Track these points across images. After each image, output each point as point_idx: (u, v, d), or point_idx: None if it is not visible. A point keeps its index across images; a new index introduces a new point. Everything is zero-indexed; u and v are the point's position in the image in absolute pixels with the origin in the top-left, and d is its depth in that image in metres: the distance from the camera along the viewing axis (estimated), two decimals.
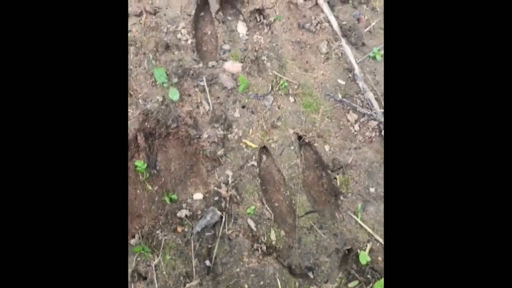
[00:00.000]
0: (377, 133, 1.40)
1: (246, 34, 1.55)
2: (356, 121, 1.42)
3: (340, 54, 1.51)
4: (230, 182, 1.35)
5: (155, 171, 1.36)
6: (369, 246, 1.27)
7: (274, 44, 1.53)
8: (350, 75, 1.48)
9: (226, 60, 1.50)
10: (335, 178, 1.35)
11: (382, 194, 1.32)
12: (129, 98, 1.41)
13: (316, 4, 1.57)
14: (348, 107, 1.43)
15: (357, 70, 1.46)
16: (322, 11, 1.56)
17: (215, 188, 1.34)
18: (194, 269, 1.24)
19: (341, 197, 1.33)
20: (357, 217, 1.28)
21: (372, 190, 1.32)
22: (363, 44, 1.52)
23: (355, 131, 1.41)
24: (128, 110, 1.39)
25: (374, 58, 1.48)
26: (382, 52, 1.48)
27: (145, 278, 1.24)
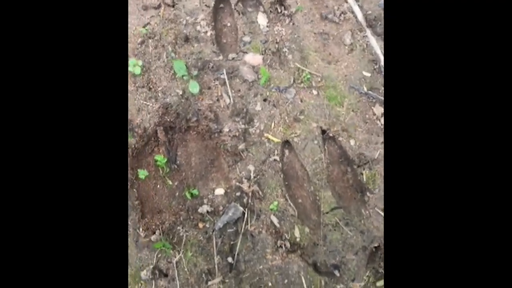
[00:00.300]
0: None
1: (267, 26, 1.51)
2: (382, 115, 1.36)
3: (365, 46, 1.46)
4: (252, 177, 1.31)
5: (176, 166, 1.33)
6: None
7: (295, 36, 1.49)
8: (375, 66, 1.43)
9: (246, 53, 1.46)
10: (361, 174, 1.30)
11: None
12: (148, 92, 1.38)
13: None
14: (374, 100, 1.38)
15: (383, 61, 1.40)
16: (346, 1, 1.51)
17: (237, 183, 1.30)
18: (216, 266, 1.21)
19: (368, 193, 1.28)
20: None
21: None
22: None
23: (381, 124, 1.35)
24: (148, 103, 1.36)
25: None
26: None
27: (166, 275, 1.21)
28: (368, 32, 1.44)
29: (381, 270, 1.21)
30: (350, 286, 1.19)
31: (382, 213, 1.24)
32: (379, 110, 1.37)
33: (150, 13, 1.51)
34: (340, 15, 1.49)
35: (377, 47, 1.42)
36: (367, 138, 1.34)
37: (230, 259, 1.22)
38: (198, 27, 1.49)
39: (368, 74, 1.42)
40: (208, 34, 1.48)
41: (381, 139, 1.33)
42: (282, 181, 1.31)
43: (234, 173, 1.32)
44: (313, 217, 1.28)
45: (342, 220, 1.25)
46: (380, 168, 1.30)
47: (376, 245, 1.22)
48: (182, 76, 1.39)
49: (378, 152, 1.31)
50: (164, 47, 1.45)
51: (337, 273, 1.20)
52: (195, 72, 1.41)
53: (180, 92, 1.39)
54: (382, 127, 1.35)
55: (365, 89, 1.40)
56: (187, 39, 1.46)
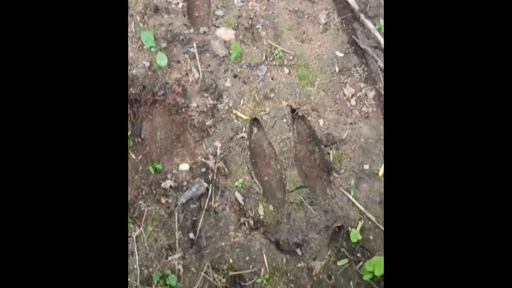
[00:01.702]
0: (374, 108, 1.34)
1: (241, 1, 1.47)
2: (352, 96, 1.35)
3: (339, 25, 1.44)
4: (218, 153, 1.28)
5: (139, 140, 1.30)
6: (360, 224, 1.22)
7: (270, 12, 1.46)
8: (348, 46, 1.41)
9: (218, 27, 1.42)
10: (328, 154, 1.29)
11: (377, 171, 1.27)
12: None
13: None
14: (345, 81, 1.37)
15: (383, 43, 1.38)
16: None
17: (203, 160, 1.28)
18: (177, 242, 1.19)
19: (334, 173, 1.27)
20: (350, 194, 1.23)
21: (366, 167, 1.27)
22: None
23: (351, 105, 1.34)
24: None
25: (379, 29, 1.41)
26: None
27: None
28: (362, 16, 1.41)
29: (343, 250, 1.21)
30: (311, 264, 1.19)
31: (347, 193, 1.23)
32: (349, 90, 1.35)
33: None
34: None
35: (375, 30, 1.38)
36: (336, 119, 1.33)
37: (191, 235, 1.20)
38: None
39: (341, 54, 1.40)
40: (180, 5, 1.43)
41: (350, 119, 1.32)
42: (248, 159, 1.29)
43: (200, 149, 1.29)
44: (278, 195, 1.26)
45: (306, 199, 1.24)
46: (347, 148, 1.29)
47: (339, 224, 1.22)
48: (150, 47, 1.34)
49: (346, 132, 1.31)
50: (133, 17, 1.39)
51: (299, 251, 1.20)
52: (163, 44, 1.36)
53: (147, 64, 1.34)
54: (352, 108, 1.34)
55: (337, 69, 1.38)
56: (157, 10, 1.41)
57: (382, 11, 1.40)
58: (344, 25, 1.44)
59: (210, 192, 1.24)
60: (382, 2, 1.40)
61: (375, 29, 1.35)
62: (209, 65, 1.37)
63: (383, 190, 1.24)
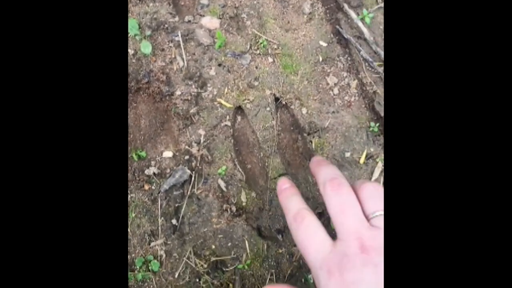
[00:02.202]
0: (356, 98, 1.35)
1: None
2: (335, 85, 1.37)
3: (323, 15, 1.45)
4: (202, 141, 1.30)
5: None
6: None
7: (255, 2, 1.46)
8: (332, 36, 1.42)
9: (203, 16, 1.43)
10: (311, 142, 1.31)
11: (358, 159, 1.29)
12: None
13: None
14: (329, 71, 1.38)
15: (366, 33, 1.40)
16: None
17: (186, 147, 1.29)
18: (159, 228, 1.20)
19: None
20: None
21: (347, 154, 1.29)
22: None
23: (334, 94, 1.36)
24: None
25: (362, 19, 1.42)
26: (372, 15, 1.42)
27: None
28: (346, 6, 1.42)
29: None
30: (292, 250, 1.21)
31: None
32: (332, 80, 1.37)
33: None
34: None
35: (358, 19, 1.39)
36: (318, 107, 1.34)
37: (174, 221, 1.22)
38: None
39: (325, 44, 1.41)
40: None
41: (332, 108, 1.34)
42: (232, 146, 1.30)
43: (184, 137, 1.30)
44: (260, 183, 1.28)
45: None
46: (329, 136, 1.31)
47: (320, 211, 1.24)
48: (134, 35, 1.35)
49: (328, 121, 1.32)
50: None
51: (280, 237, 1.22)
52: (148, 32, 1.36)
53: (132, 52, 1.34)
54: (334, 97, 1.36)
55: (321, 58, 1.39)
56: None
57: (364, 1, 1.41)
58: (328, 15, 1.45)
59: (193, 179, 1.25)
60: None
61: (358, 19, 1.36)
62: (194, 54, 1.38)
63: (362, 177, 1.26)
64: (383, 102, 1.31)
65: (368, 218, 0.73)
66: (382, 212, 0.71)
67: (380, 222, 0.71)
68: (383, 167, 1.25)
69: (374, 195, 0.76)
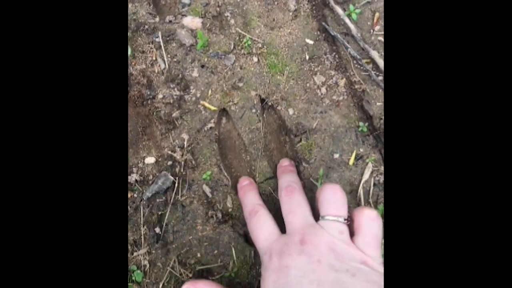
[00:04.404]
0: (345, 97, 1.31)
1: None
2: (323, 84, 1.32)
3: (309, 12, 1.40)
4: (185, 146, 1.25)
5: None
6: None
7: (239, 0, 1.41)
8: (318, 34, 1.38)
9: (185, 15, 1.38)
10: (298, 143, 1.27)
11: (347, 160, 1.25)
12: None
13: None
14: (316, 69, 1.34)
15: (353, 30, 1.35)
16: None
17: (169, 152, 1.24)
18: (142, 237, 1.16)
19: (303, 163, 1.24)
20: (318, 183, 1.20)
21: (336, 156, 1.24)
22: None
23: (321, 94, 1.31)
24: None
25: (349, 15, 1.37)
26: (358, 10, 1.37)
27: None
28: (331, 2, 1.37)
29: None
30: None
31: (316, 183, 1.21)
32: (320, 79, 1.32)
33: None
34: None
35: (344, 16, 1.34)
36: (306, 108, 1.30)
37: (157, 230, 1.17)
38: None
39: (311, 42, 1.37)
40: None
41: (320, 108, 1.29)
42: (217, 150, 1.26)
43: (167, 142, 1.26)
44: None
45: (276, 190, 1.22)
46: (317, 138, 1.26)
47: None
48: None
49: (316, 121, 1.28)
50: None
51: None
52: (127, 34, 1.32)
53: None
54: (322, 96, 1.31)
55: (307, 57, 1.35)
56: None
57: None
58: (314, 12, 1.40)
59: (176, 185, 1.21)
60: None
61: (345, 15, 1.32)
62: (176, 55, 1.33)
63: (352, 179, 1.22)
64: (372, 101, 1.27)
65: (318, 219, 0.85)
66: (331, 218, 0.82)
67: (325, 224, 0.82)
68: (373, 168, 1.21)
69: (329, 199, 0.87)
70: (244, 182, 1.10)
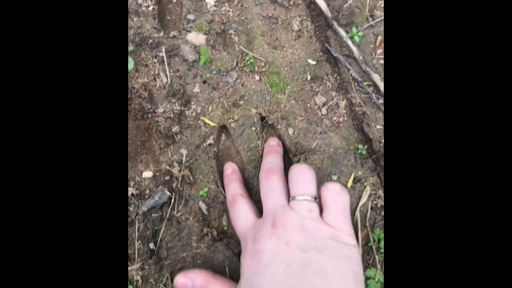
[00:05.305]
0: (345, 118, 1.31)
1: (214, 5, 1.44)
2: (324, 104, 1.33)
3: (312, 33, 1.41)
4: (184, 161, 1.25)
5: None
6: None
7: (243, 18, 1.43)
8: (321, 54, 1.39)
9: (189, 31, 1.39)
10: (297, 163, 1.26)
11: (345, 182, 1.24)
12: None
13: None
14: (317, 90, 1.34)
15: (355, 51, 1.36)
16: None
17: (167, 167, 1.24)
18: (136, 252, 1.15)
19: None
20: None
21: (334, 178, 1.24)
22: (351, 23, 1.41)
23: (322, 114, 1.32)
24: None
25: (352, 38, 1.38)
26: (361, 34, 1.39)
27: None
28: (335, 24, 1.38)
29: None
30: None
31: None
32: (321, 99, 1.33)
33: None
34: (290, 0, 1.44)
35: (347, 38, 1.36)
36: (306, 128, 1.30)
37: (151, 245, 1.17)
38: (140, 1, 1.40)
39: (313, 62, 1.38)
40: (151, 8, 1.40)
41: (320, 129, 1.30)
42: (215, 167, 1.26)
43: (165, 156, 1.26)
44: None
45: None
46: (315, 158, 1.26)
47: None
48: None
49: (315, 142, 1.28)
50: None
51: None
52: (131, 48, 1.33)
53: None
54: (322, 117, 1.32)
55: (309, 77, 1.36)
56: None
57: (354, 19, 1.37)
58: (318, 33, 1.42)
59: (173, 201, 1.20)
60: (355, 11, 1.38)
61: (348, 37, 1.33)
62: (178, 70, 1.34)
63: (351, 201, 1.21)
64: (372, 124, 1.27)
65: (289, 200, 0.88)
66: (300, 198, 0.86)
67: (295, 204, 0.85)
68: (371, 191, 1.20)
69: (297, 179, 0.91)
70: (228, 171, 1.13)
